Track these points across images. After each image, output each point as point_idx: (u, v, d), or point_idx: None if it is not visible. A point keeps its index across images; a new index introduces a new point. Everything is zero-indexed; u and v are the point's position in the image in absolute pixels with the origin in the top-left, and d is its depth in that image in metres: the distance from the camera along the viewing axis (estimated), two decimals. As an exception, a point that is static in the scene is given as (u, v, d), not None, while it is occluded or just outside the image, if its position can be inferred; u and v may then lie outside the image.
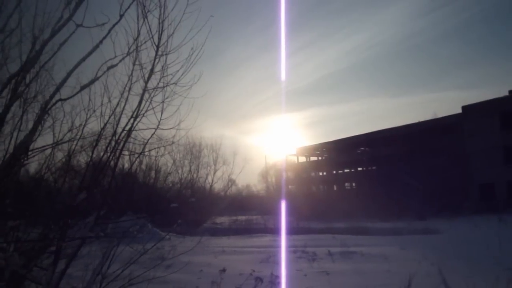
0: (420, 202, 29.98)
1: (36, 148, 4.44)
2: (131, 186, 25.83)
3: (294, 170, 52.29)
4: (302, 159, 55.18)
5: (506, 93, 37.06)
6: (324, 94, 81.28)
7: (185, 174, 35.03)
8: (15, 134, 4.32)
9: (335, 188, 52.74)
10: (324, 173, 53.18)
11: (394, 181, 34.94)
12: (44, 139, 4.65)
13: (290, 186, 50.10)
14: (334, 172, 52.20)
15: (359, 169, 49.72)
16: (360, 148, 49.53)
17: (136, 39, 4.12)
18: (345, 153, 49.03)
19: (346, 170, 51.78)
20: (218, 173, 37.81)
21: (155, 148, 4.99)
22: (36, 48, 4.00)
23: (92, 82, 4.19)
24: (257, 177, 55.06)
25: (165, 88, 4.26)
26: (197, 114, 4.59)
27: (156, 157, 27.01)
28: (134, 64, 4.36)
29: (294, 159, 54.21)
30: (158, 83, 4.25)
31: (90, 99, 4.26)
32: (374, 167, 45.79)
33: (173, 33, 4.15)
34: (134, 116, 4.30)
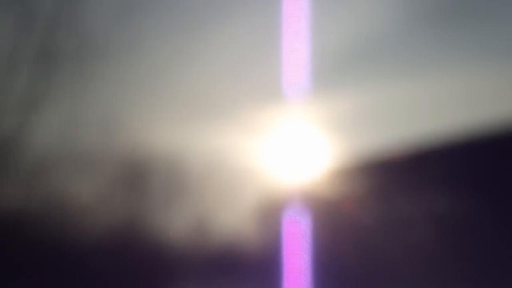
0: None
1: None
2: (16, 235, 23.42)
3: (314, 202, 50.41)
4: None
5: None
6: (363, 69, 75.60)
7: (120, 214, 32.36)
8: None
9: (384, 232, 50.76)
10: (367, 207, 50.94)
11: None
12: None
13: (306, 231, 48.49)
14: (385, 204, 49.77)
15: (431, 199, 47.20)
16: (432, 161, 46.88)
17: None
18: (401, 172, 46.36)
19: (406, 203, 49.15)
20: (182, 211, 35.11)
21: (63, 168, 3.56)
22: None
23: None
24: (250, 215, 52.63)
25: (80, 55, 3.14)
26: (145, 104, 3.53)
27: (64, 183, 25.16)
28: (20, 15, 3.25)
29: (315, 182, 52.31)
30: (66, 45, 3.13)
31: None
32: (462, 195, 42.81)
33: None
34: (22, 109, 3.26)
